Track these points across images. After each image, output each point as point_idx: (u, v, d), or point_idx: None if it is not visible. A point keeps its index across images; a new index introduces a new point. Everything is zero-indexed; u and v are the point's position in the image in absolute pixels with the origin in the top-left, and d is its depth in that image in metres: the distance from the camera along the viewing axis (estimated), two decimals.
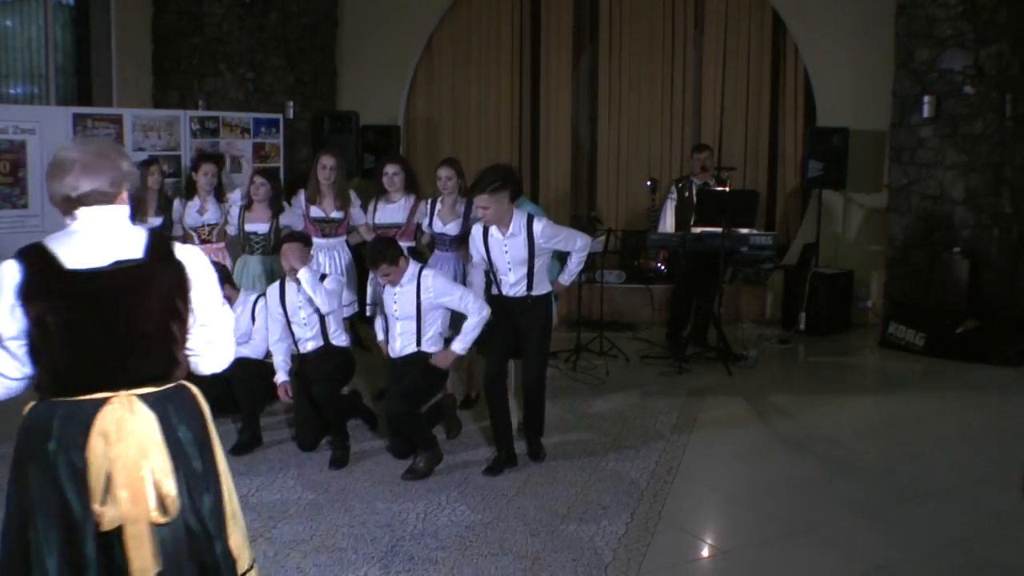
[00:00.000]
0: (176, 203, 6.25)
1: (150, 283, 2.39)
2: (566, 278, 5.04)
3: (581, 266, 5.03)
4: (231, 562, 2.50)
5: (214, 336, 2.53)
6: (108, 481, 2.30)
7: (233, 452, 5.01)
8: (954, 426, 5.93)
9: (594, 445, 5.23)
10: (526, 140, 10.23)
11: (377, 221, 5.78)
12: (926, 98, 7.84)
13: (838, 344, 8.02)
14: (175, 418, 2.43)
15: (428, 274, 4.95)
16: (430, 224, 5.69)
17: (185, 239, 6.15)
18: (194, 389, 2.54)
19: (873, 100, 8.38)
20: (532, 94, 10.14)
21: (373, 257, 4.93)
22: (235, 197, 6.21)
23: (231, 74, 9.21)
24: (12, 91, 8.36)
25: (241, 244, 6.12)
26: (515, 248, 4.73)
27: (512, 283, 4.79)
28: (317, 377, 5.00)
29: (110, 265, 2.36)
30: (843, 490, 4.62)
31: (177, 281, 2.44)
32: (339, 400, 5.11)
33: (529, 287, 4.79)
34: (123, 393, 2.36)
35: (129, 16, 8.82)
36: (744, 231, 7.16)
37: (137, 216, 6.35)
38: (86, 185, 2.37)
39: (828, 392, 6.51)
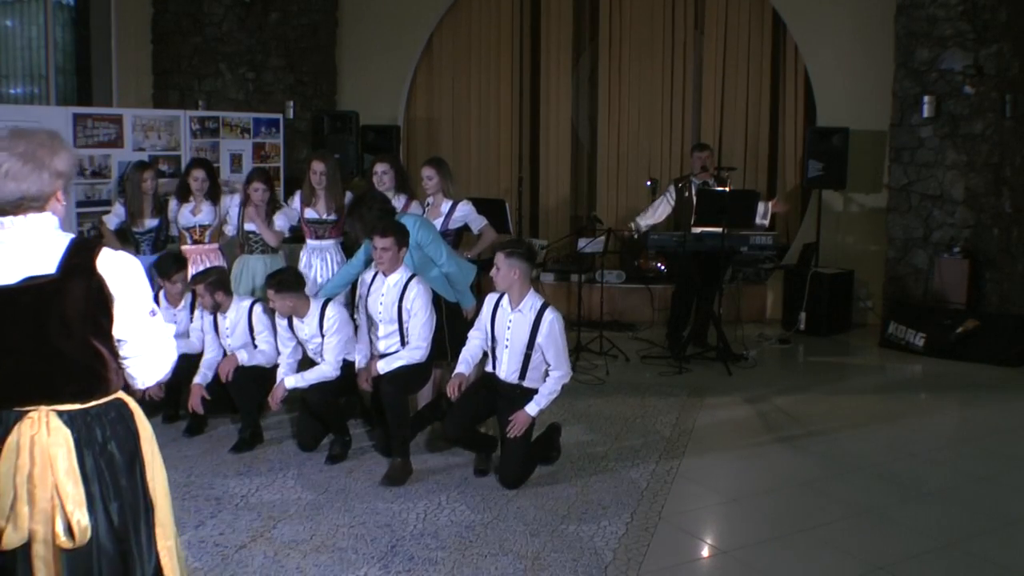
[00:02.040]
0: (172, 203, 6.26)
1: (63, 300, 2.27)
2: (533, 407, 4.60)
3: (554, 395, 4.65)
4: None
5: (138, 350, 2.40)
6: (14, 497, 2.24)
7: (235, 450, 5.02)
8: (954, 426, 5.93)
9: (594, 445, 5.23)
10: (526, 140, 10.23)
11: None
12: (926, 98, 7.84)
13: (838, 344, 8.02)
14: (103, 434, 2.34)
15: (415, 287, 4.89)
16: None
17: (179, 239, 6.16)
18: (132, 405, 2.44)
19: (873, 100, 8.38)
20: (532, 94, 10.15)
21: (385, 227, 4.86)
22: (232, 201, 6.19)
23: (231, 74, 9.22)
24: (12, 91, 8.37)
25: (240, 244, 6.11)
26: (518, 326, 4.64)
27: (504, 365, 4.71)
28: (315, 387, 5.03)
29: (21, 282, 2.25)
30: (843, 490, 4.62)
31: (94, 296, 2.30)
32: (335, 406, 5.12)
33: (522, 376, 4.70)
34: (43, 408, 2.28)
35: (129, 16, 8.83)
36: (744, 231, 7.17)
37: (133, 219, 6.37)
38: (12, 193, 2.26)
39: (828, 392, 6.51)
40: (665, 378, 6.74)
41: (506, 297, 4.70)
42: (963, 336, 7.36)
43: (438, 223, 5.58)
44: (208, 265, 5.97)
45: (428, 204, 5.76)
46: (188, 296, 5.56)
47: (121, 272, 2.35)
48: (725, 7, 9.41)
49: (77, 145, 6.67)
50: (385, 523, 4.13)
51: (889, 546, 3.96)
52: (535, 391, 4.66)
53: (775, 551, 3.93)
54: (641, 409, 5.93)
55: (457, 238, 5.84)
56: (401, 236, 4.89)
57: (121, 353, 2.40)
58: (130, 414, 2.42)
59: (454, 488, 4.57)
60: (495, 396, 4.76)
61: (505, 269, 4.58)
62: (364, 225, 5.09)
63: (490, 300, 4.80)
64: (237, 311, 5.32)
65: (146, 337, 2.41)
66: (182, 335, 5.50)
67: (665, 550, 3.91)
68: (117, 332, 2.36)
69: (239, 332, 5.30)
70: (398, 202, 5.67)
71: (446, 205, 5.68)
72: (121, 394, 2.44)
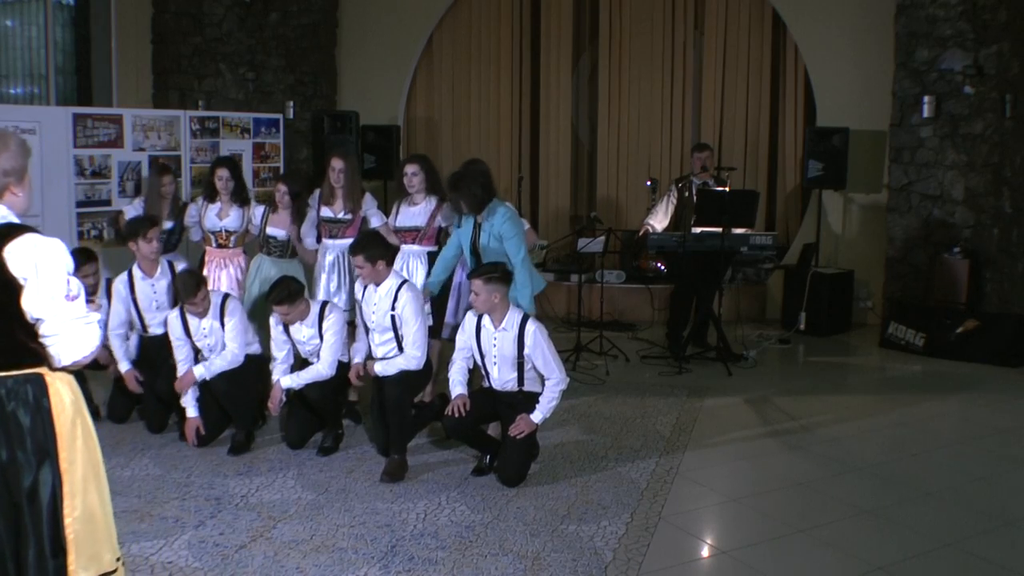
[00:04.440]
0: (192, 207, 6.18)
1: None
2: (538, 416, 4.61)
3: (555, 403, 4.64)
4: (57, 570, 2.56)
5: (53, 331, 2.55)
6: None
7: (232, 452, 5.02)
8: (954, 426, 5.93)
9: (594, 445, 5.23)
10: (526, 140, 10.23)
11: (397, 224, 5.62)
12: (926, 98, 7.84)
13: (838, 344, 8.02)
14: (11, 403, 2.53)
15: (405, 294, 4.87)
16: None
17: (204, 241, 6.11)
18: (50, 381, 2.59)
19: (873, 100, 8.38)
20: (532, 94, 10.15)
21: (353, 245, 4.96)
22: (258, 207, 6.13)
23: (231, 74, 9.22)
24: (12, 91, 8.37)
25: (260, 244, 6.04)
26: (504, 343, 4.63)
27: (496, 378, 4.71)
28: (313, 384, 5.04)
29: None
30: (843, 490, 4.62)
31: None
32: (333, 400, 5.16)
33: (520, 383, 4.69)
34: None
35: (129, 16, 8.83)
36: (744, 231, 7.17)
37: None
38: None
39: (828, 392, 6.51)
40: (665, 378, 6.74)
41: (487, 317, 4.68)
42: (963, 336, 7.36)
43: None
44: (232, 268, 5.94)
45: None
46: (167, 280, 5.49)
47: (31, 258, 2.52)
48: (725, 7, 9.40)
49: (77, 145, 6.67)
50: (385, 523, 4.13)
51: (889, 546, 3.96)
52: (536, 394, 4.67)
53: (775, 551, 3.93)
54: (641, 409, 5.93)
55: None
56: (372, 251, 4.85)
57: (40, 332, 2.55)
58: (43, 389, 2.58)
59: (454, 488, 4.57)
60: (496, 402, 4.77)
61: (485, 295, 4.56)
62: (470, 201, 5.03)
63: (471, 319, 4.76)
64: (213, 308, 5.16)
65: (60, 320, 2.55)
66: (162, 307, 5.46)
67: (665, 550, 3.91)
68: (32, 312, 2.53)
69: (215, 329, 5.16)
70: (428, 204, 5.55)
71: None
72: (43, 370, 2.59)
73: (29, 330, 2.54)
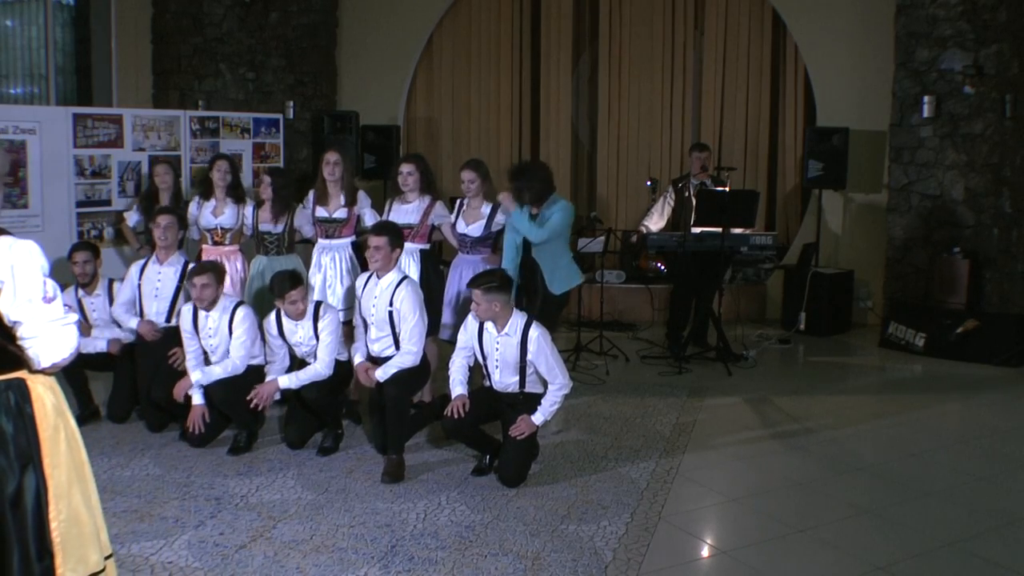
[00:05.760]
0: (192, 205, 6.17)
1: None
2: (539, 417, 4.59)
3: (556, 406, 4.63)
4: (44, 573, 2.55)
5: (31, 333, 2.54)
6: None
7: (232, 452, 5.02)
8: (954, 426, 5.93)
9: (594, 445, 5.23)
10: (526, 140, 10.23)
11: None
12: (926, 98, 7.84)
13: (838, 344, 8.02)
14: None
15: (404, 289, 4.86)
16: (453, 224, 5.60)
17: (200, 240, 6.11)
18: (31, 386, 2.58)
19: (873, 100, 8.39)
20: (532, 94, 10.15)
21: (378, 226, 4.97)
22: (248, 211, 6.11)
23: (231, 74, 9.23)
24: (12, 91, 8.38)
25: (256, 245, 6.02)
26: (506, 348, 4.62)
27: (498, 380, 4.71)
28: (311, 384, 5.03)
29: None
30: (843, 490, 4.62)
31: None
32: (331, 401, 5.16)
33: (522, 385, 4.68)
34: None
35: (129, 16, 8.84)
36: (744, 231, 7.17)
37: (151, 216, 6.32)
38: None
39: (828, 392, 6.51)
40: (665, 378, 6.74)
41: (489, 322, 4.67)
42: (963, 336, 7.36)
43: (478, 226, 5.47)
44: (228, 266, 5.91)
45: (464, 206, 5.61)
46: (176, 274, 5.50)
47: (7, 260, 2.50)
48: (725, 7, 9.41)
49: (77, 145, 6.67)
50: (385, 523, 4.13)
51: (889, 546, 3.96)
52: (538, 395, 4.66)
53: (775, 551, 3.93)
54: (641, 409, 5.93)
55: (497, 240, 5.67)
56: (395, 237, 4.87)
57: (18, 334, 2.54)
58: (25, 394, 2.56)
59: (454, 488, 4.57)
60: (497, 402, 4.76)
61: (486, 304, 4.55)
62: (531, 192, 5.18)
63: (473, 323, 4.75)
64: (222, 310, 5.16)
65: (38, 322, 2.53)
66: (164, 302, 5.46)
67: (665, 550, 3.91)
68: (10, 315, 2.51)
69: (222, 331, 5.14)
70: (421, 202, 5.55)
71: (486, 208, 5.54)
72: (24, 374, 2.57)
73: (7, 333, 2.52)
